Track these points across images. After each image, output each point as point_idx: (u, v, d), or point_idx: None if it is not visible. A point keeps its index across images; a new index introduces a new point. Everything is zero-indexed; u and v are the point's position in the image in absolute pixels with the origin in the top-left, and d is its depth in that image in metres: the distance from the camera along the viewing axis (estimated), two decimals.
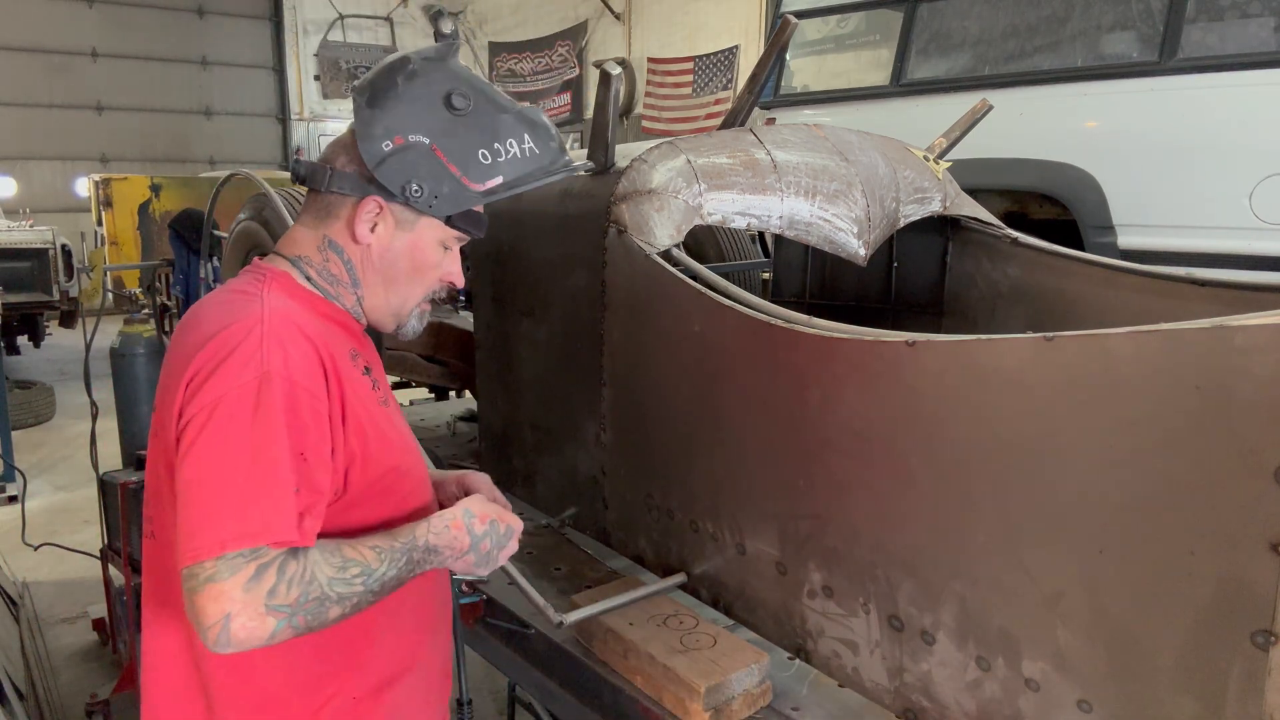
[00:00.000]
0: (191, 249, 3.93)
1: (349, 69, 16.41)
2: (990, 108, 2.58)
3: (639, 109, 12.89)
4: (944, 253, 2.47)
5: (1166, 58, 4.09)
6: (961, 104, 2.69)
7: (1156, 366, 1.03)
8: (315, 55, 16.19)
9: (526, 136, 1.28)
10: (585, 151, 1.95)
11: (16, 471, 5.01)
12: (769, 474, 1.54)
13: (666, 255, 1.76)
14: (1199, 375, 0.99)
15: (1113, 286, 2.15)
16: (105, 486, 3.46)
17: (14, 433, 5.92)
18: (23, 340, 9.19)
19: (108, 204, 11.09)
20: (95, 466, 3.74)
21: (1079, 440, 1.11)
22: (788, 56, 5.81)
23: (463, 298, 2.94)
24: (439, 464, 2.68)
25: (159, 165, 14.07)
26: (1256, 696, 0.98)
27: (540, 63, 14.87)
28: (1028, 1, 4.68)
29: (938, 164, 2.35)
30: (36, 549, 4.27)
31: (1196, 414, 1.00)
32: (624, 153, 1.92)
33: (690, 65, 12.20)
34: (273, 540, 1.04)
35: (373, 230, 1.26)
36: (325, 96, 16.36)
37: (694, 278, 1.69)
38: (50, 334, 9.41)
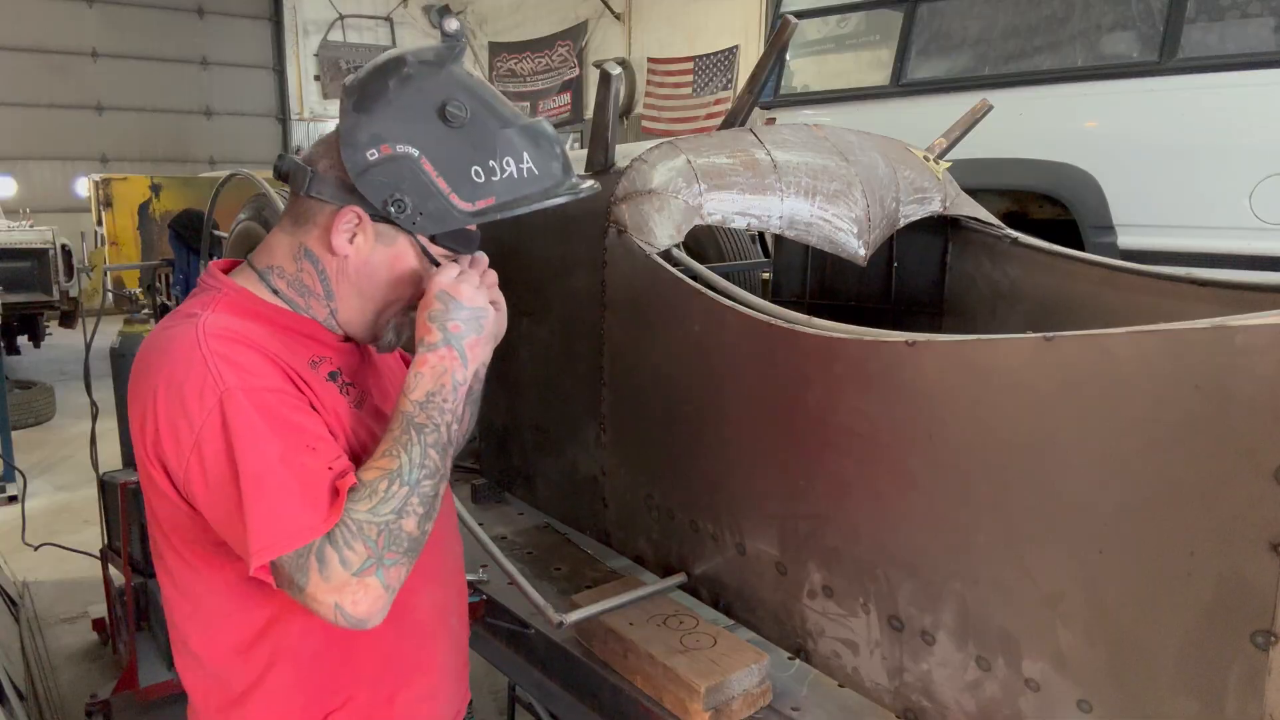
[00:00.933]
0: (191, 249, 3.93)
1: (349, 69, 16.40)
2: (990, 108, 2.58)
3: (639, 109, 12.90)
4: (944, 253, 2.47)
5: (1166, 58, 4.09)
6: (961, 104, 2.69)
7: (1156, 366, 1.03)
8: (315, 55, 16.20)
9: (527, 155, 1.18)
10: (585, 153, 1.95)
11: (16, 471, 5.01)
12: (769, 474, 1.54)
13: (666, 255, 1.76)
14: (1199, 375, 0.99)
15: (1113, 286, 2.15)
16: (105, 486, 3.46)
17: (14, 433, 5.92)
18: (23, 340, 9.20)
19: (108, 204, 11.10)
20: (95, 466, 3.74)
21: (1079, 440, 1.11)
22: (788, 56, 5.81)
23: None
24: None
25: (159, 165, 14.07)
26: (1256, 696, 0.98)
27: (540, 63, 14.87)
28: (1028, 1, 4.69)
29: (938, 164, 2.35)
30: (36, 549, 4.27)
31: (1196, 414, 1.00)
32: (624, 153, 1.92)
33: (690, 65, 12.20)
34: (302, 541, 1.05)
35: (350, 241, 1.18)
36: (325, 96, 16.36)
37: (694, 278, 1.69)
38: (50, 334, 9.42)
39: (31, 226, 8.88)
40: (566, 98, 14.39)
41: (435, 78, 1.15)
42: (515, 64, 15.29)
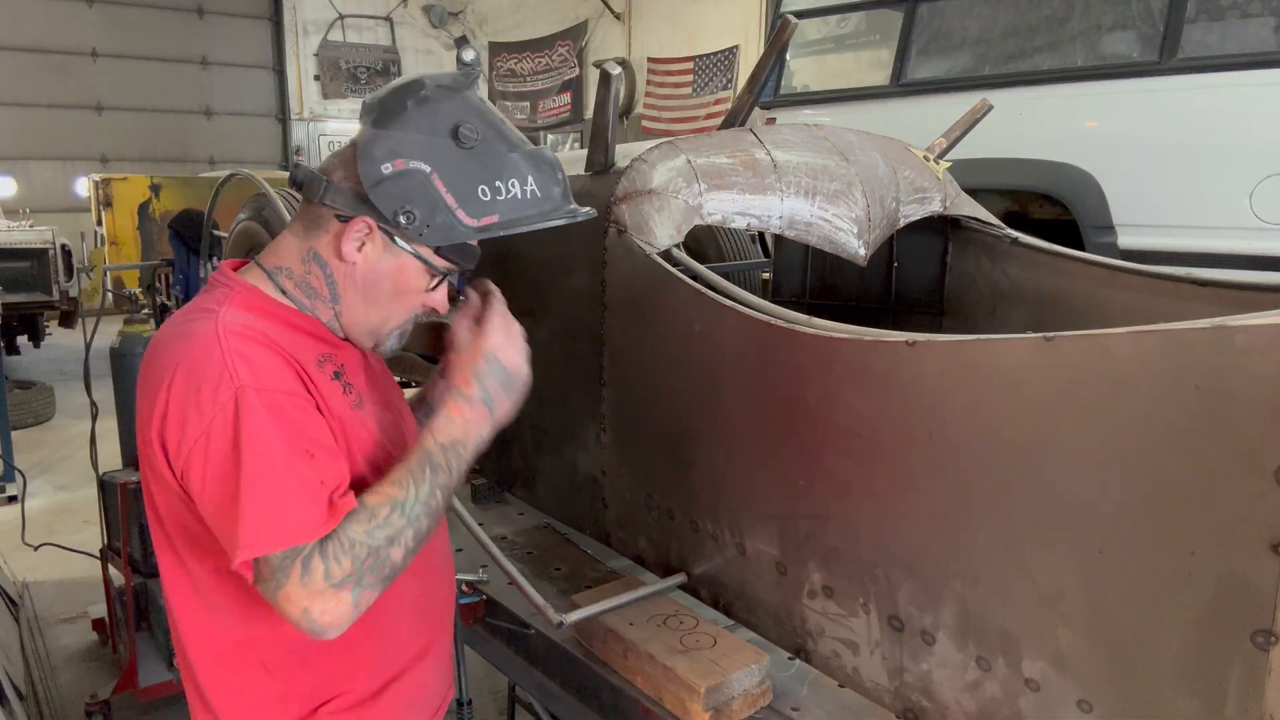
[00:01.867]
0: (191, 249, 3.93)
1: (349, 69, 16.41)
2: (990, 108, 2.58)
3: (639, 109, 12.89)
4: (944, 253, 2.47)
5: (1166, 58, 4.09)
6: (961, 104, 2.69)
7: (1156, 366, 1.03)
8: (315, 55, 16.19)
9: (531, 178, 1.25)
10: (585, 153, 1.95)
11: (16, 471, 5.01)
12: (769, 474, 1.54)
13: (666, 255, 1.76)
14: (1199, 375, 0.99)
15: (1113, 286, 2.15)
16: (105, 486, 3.46)
17: (14, 433, 5.92)
18: (23, 340, 9.19)
19: (108, 204, 11.09)
20: (95, 466, 3.74)
21: (1079, 440, 1.11)
22: (788, 56, 5.81)
23: (463, 297, 2.93)
24: None
25: (159, 165, 14.06)
26: (1256, 696, 0.98)
27: (540, 63, 14.87)
28: (1028, 1, 4.68)
29: (938, 164, 2.35)
30: (36, 549, 4.27)
31: (1196, 414, 1.00)
32: (624, 153, 1.92)
33: (690, 65, 12.20)
34: (294, 541, 1.09)
35: (359, 249, 1.24)
36: (325, 96, 16.36)
37: (694, 278, 1.69)
38: (50, 334, 9.41)
39: (31, 226, 8.87)
40: (566, 98, 14.39)
41: (451, 101, 1.22)
42: (515, 64, 15.29)
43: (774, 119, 5.78)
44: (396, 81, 1.25)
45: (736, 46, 11.66)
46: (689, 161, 1.87)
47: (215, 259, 3.68)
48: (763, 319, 1.51)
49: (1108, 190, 4.20)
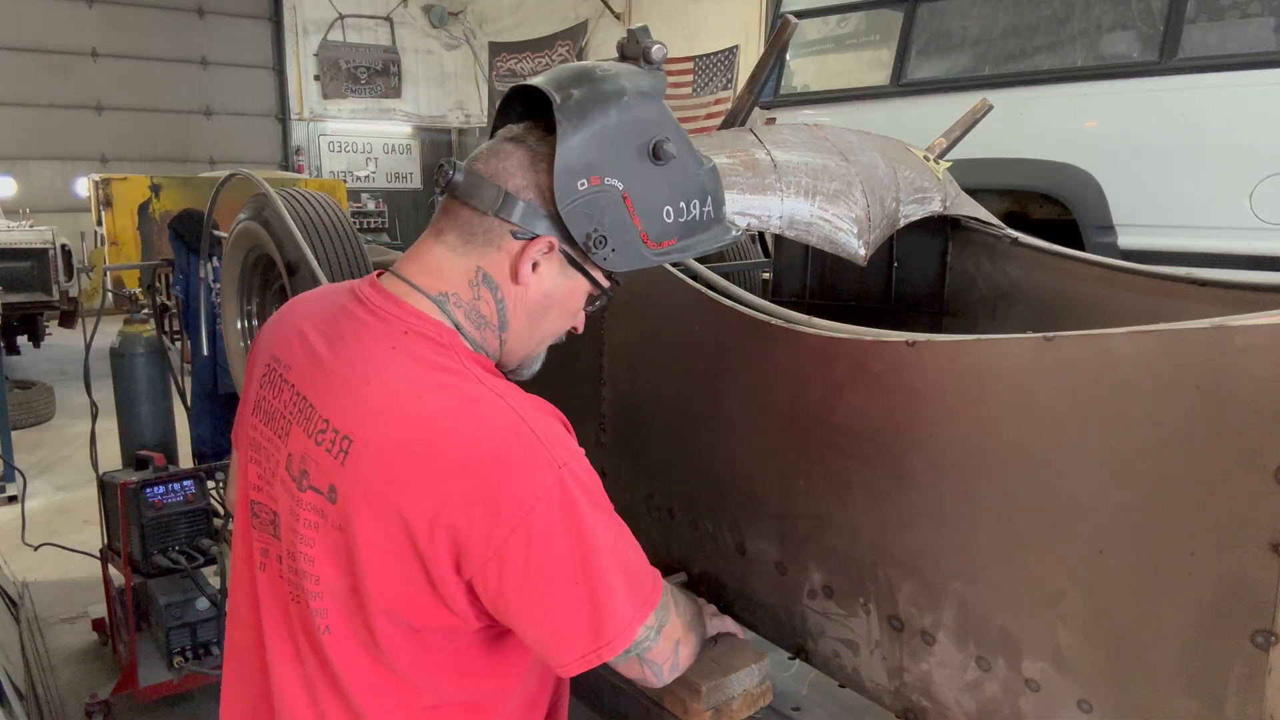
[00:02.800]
0: (191, 249, 3.92)
1: (349, 69, 16.41)
2: (990, 108, 2.58)
3: None
4: (944, 253, 2.47)
5: (1166, 58, 4.09)
6: (961, 104, 2.69)
7: (1156, 366, 1.03)
8: (315, 55, 16.19)
9: (710, 198, 1.16)
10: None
11: (16, 471, 5.00)
12: (769, 474, 1.54)
13: None
14: (1199, 375, 0.99)
15: (1113, 286, 2.14)
16: (105, 487, 3.46)
17: (14, 433, 5.91)
18: (23, 340, 9.19)
19: (107, 204, 11.08)
20: (95, 466, 3.74)
21: (1079, 440, 1.11)
22: (788, 56, 5.82)
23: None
24: None
25: (159, 165, 14.05)
26: (1256, 696, 0.98)
27: (540, 63, 14.87)
28: (1028, 1, 4.69)
29: (938, 164, 2.35)
30: (36, 549, 4.27)
31: (1196, 414, 1.00)
32: None
33: (690, 65, 12.21)
34: (655, 604, 1.13)
35: (534, 269, 1.10)
36: (325, 96, 16.36)
37: (694, 278, 1.69)
38: (50, 334, 9.41)
39: (31, 226, 8.87)
40: None
41: (650, 110, 1.11)
42: (515, 64, 15.30)
43: (774, 119, 5.78)
44: (590, 77, 1.10)
45: (736, 46, 11.67)
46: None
47: (215, 259, 3.68)
48: (763, 319, 1.51)
49: (1108, 190, 4.21)
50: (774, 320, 1.49)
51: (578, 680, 1.78)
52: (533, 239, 1.09)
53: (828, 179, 1.98)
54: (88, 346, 3.83)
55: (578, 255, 1.11)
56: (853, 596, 1.43)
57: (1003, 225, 2.39)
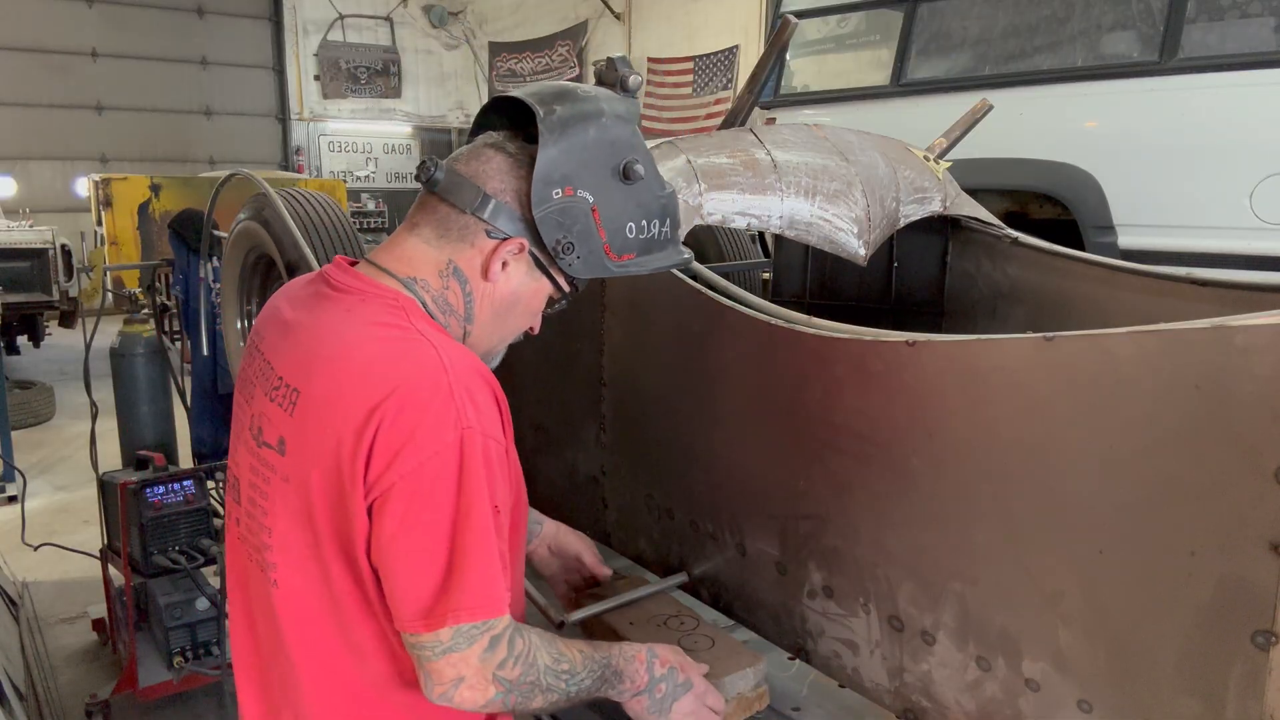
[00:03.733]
0: (191, 249, 3.92)
1: (349, 69, 16.40)
2: (990, 108, 2.58)
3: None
4: (944, 253, 2.47)
5: (1166, 58, 4.09)
6: (961, 104, 2.69)
7: (1156, 366, 1.03)
8: (315, 55, 16.19)
9: (668, 220, 1.25)
10: None
11: (16, 471, 5.00)
12: (769, 474, 1.54)
13: None
14: (1199, 375, 0.99)
15: (1113, 286, 2.14)
16: (105, 486, 3.46)
17: (14, 433, 5.91)
18: (23, 340, 9.19)
19: (107, 204, 11.08)
20: (95, 466, 3.74)
21: (1079, 440, 1.11)
22: (788, 56, 5.81)
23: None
24: None
25: (159, 165, 14.04)
26: (1256, 696, 0.98)
27: (540, 63, 14.87)
28: (1028, 1, 4.69)
29: (938, 164, 2.35)
30: (36, 549, 4.26)
31: (1196, 414, 1.00)
32: None
33: (690, 65, 12.21)
34: (499, 614, 1.08)
35: (503, 268, 1.19)
36: (325, 96, 16.36)
37: (694, 278, 1.69)
38: (50, 334, 9.41)
39: (31, 226, 8.86)
40: None
41: (624, 133, 1.20)
42: (515, 64, 15.30)
43: (774, 119, 5.78)
44: (575, 98, 1.19)
45: (736, 46, 11.67)
46: (689, 161, 1.87)
47: (215, 259, 3.68)
48: (763, 319, 1.51)
49: (1108, 190, 4.21)
50: (774, 320, 1.49)
51: None
52: (505, 239, 1.17)
53: (828, 179, 1.98)
54: (88, 346, 3.83)
55: (545, 259, 1.19)
56: (853, 596, 1.43)
57: (1003, 225, 2.39)
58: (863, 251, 2.00)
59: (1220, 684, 1.01)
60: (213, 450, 3.95)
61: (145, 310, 4.21)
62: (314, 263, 2.60)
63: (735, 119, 2.29)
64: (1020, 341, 1.16)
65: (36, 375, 8.47)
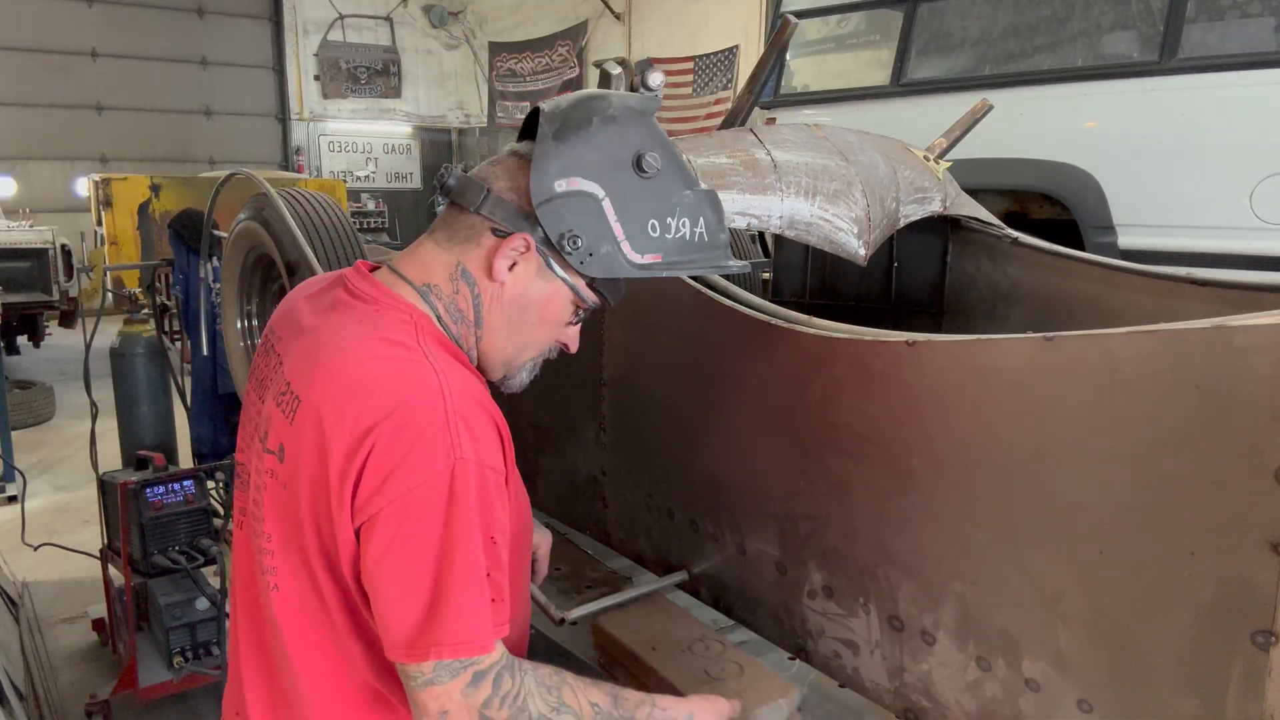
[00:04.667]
0: (191, 249, 3.92)
1: (349, 69, 16.40)
2: (990, 108, 2.58)
3: None
4: (944, 253, 2.47)
5: (1166, 58, 4.09)
6: (961, 104, 2.69)
7: (1156, 366, 1.03)
8: (315, 55, 16.18)
9: (701, 220, 1.17)
10: None
11: (16, 471, 5.00)
12: (769, 474, 1.54)
13: None
14: (1199, 375, 0.99)
15: (1113, 286, 2.15)
16: (105, 486, 3.45)
17: (14, 433, 5.90)
18: (23, 340, 9.19)
19: (107, 204, 11.07)
20: (95, 466, 3.74)
21: (1079, 440, 1.11)
22: (788, 56, 5.81)
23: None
24: None
25: (159, 165, 14.04)
26: (1256, 696, 0.98)
27: (540, 62, 14.87)
28: (1028, 1, 4.69)
29: (938, 164, 2.35)
30: (36, 549, 4.26)
31: (1196, 414, 1.00)
32: None
33: (690, 65, 12.21)
34: (484, 651, 1.03)
35: (510, 268, 1.14)
36: (325, 96, 16.35)
37: (694, 277, 1.69)
38: (50, 334, 9.40)
39: (31, 226, 8.86)
40: None
41: (638, 125, 1.14)
42: (515, 64, 15.30)
43: (774, 119, 5.78)
44: (580, 94, 1.16)
45: (736, 46, 11.66)
46: (689, 161, 1.87)
47: (215, 259, 3.68)
48: (763, 319, 1.51)
49: (1108, 190, 4.21)
50: (774, 320, 1.49)
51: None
52: (509, 235, 1.13)
53: (828, 179, 1.98)
54: (88, 346, 3.83)
55: (555, 258, 1.14)
56: (853, 596, 1.43)
57: (1003, 225, 2.39)
58: (863, 251, 2.00)
59: (1220, 684, 1.01)
60: (213, 450, 3.94)
61: (145, 310, 4.21)
62: (314, 262, 2.60)
63: (735, 119, 2.29)
64: (1020, 341, 1.16)
65: (36, 375, 8.46)
